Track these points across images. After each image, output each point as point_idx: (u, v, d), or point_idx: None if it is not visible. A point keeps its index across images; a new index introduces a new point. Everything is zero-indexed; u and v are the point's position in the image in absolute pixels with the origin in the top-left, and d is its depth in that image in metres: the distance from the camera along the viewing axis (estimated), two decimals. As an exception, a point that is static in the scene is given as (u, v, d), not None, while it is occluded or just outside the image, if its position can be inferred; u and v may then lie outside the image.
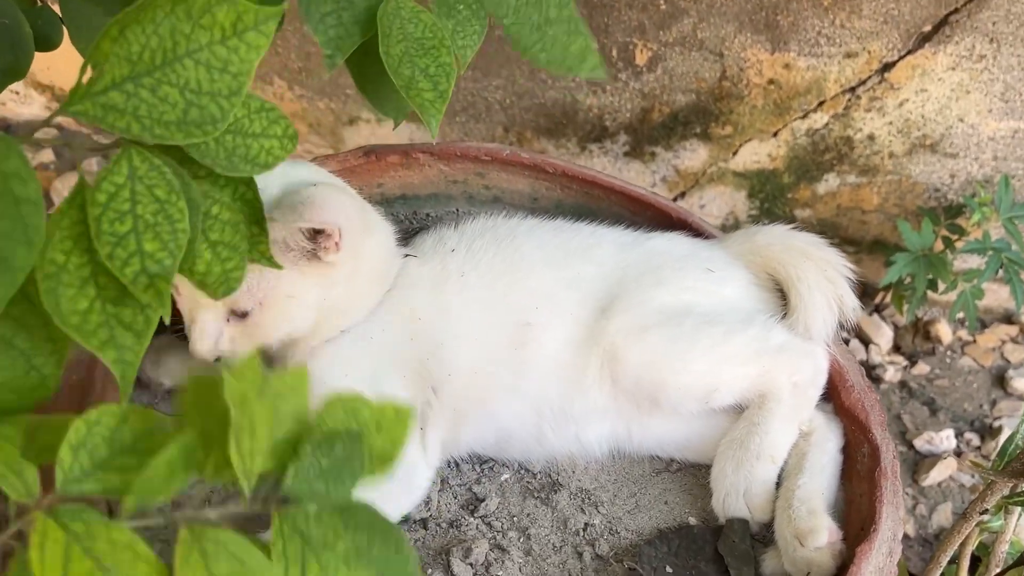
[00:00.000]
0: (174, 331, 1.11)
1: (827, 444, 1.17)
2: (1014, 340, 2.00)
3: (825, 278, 1.22)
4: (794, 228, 1.29)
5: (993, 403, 1.90)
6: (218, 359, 1.10)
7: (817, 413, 1.20)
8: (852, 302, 1.22)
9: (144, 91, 0.69)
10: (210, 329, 1.07)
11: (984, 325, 2.02)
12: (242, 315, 1.07)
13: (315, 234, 1.06)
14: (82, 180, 0.71)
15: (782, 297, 1.26)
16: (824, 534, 1.05)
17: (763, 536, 1.14)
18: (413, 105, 0.83)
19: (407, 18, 0.82)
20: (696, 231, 1.37)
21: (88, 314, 0.72)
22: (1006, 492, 1.16)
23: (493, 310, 1.19)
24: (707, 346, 1.16)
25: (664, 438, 1.23)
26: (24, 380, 0.75)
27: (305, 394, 0.70)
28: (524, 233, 1.26)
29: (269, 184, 1.04)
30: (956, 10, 1.64)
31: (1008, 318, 2.02)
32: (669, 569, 1.09)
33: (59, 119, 2.01)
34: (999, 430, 1.82)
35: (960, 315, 1.81)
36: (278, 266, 0.83)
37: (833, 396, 1.21)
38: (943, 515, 1.71)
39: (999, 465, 1.19)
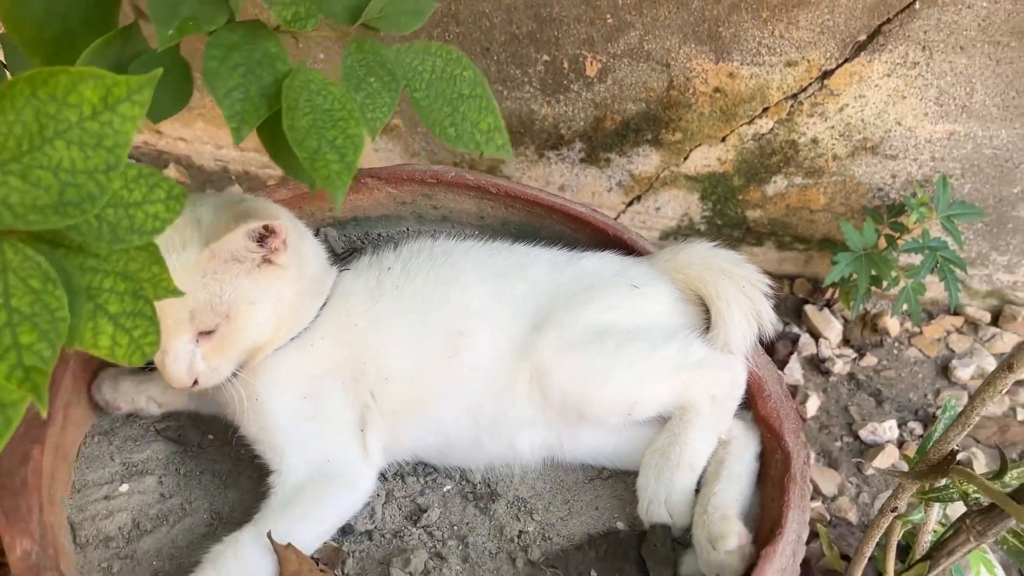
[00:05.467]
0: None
1: (744, 452, 1.25)
2: (959, 331, 2.07)
3: (744, 295, 1.29)
4: (715, 246, 1.36)
5: (937, 392, 1.97)
6: (195, 384, 1.17)
7: (737, 422, 1.28)
8: (770, 316, 1.29)
9: (13, 178, 0.67)
10: (183, 354, 1.15)
11: (931, 317, 2.09)
12: (210, 332, 1.15)
13: (263, 239, 1.15)
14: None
15: (707, 310, 1.34)
16: (734, 539, 1.13)
17: (685, 539, 1.22)
18: (317, 177, 0.86)
19: (316, 90, 0.88)
20: (630, 247, 1.44)
21: None
22: (927, 487, 1.23)
23: (427, 320, 1.28)
24: (629, 363, 1.24)
25: (594, 448, 1.31)
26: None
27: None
28: (460, 253, 1.34)
29: (203, 213, 1.13)
30: (888, 20, 1.70)
31: (954, 310, 2.09)
32: (594, 573, 1.17)
33: None
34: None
35: (904, 308, 1.88)
36: (180, 293, 0.85)
37: (752, 405, 1.29)
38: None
39: (914, 462, 1.27)
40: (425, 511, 1.27)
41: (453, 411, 1.27)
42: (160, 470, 1.28)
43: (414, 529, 1.25)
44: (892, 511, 1.27)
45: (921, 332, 2.07)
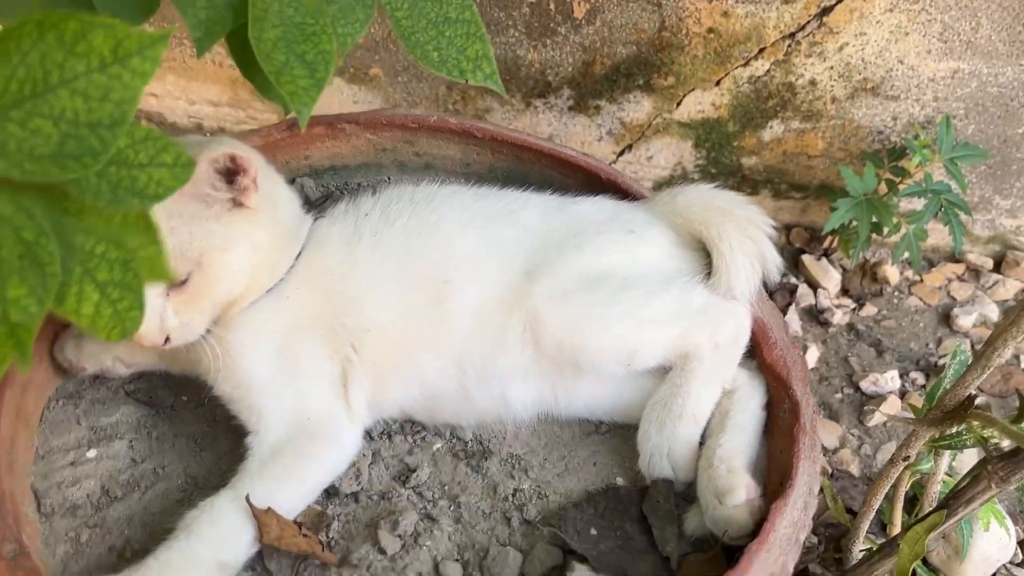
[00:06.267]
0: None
1: (750, 402, 1.19)
2: (960, 278, 2.01)
3: (747, 237, 1.22)
4: (715, 187, 1.29)
5: (939, 341, 1.92)
6: (166, 342, 1.10)
7: (741, 371, 1.21)
8: (775, 259, 1.23)
9: (12, 125, 0.63)
10: (153, 309, 1.07)
11: (931, 264, 2.03)
12: (180, 285, 1.08)
13: (231, 176, 1.08)
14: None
15: (707, 255, 1.27)
16: (742, 492, 1.07)
17: (689, 494, 1.16)
18: (283, 92, 0.79)
19: (286, 2, 0.80)
20: (625, 192, 1.37)
21: None
22: (938, 435, 1.18)
23: (409, 267, 1.21)
24: (626, 310, 1.17)
25: (590, 401, 1.25)
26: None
27: None
28: (444, 197, 1.27)
29: None
30: (890, -49, 1.62)
31: (954, 257, 2.03)
32: (593, 531, 1.11)
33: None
34: (943, 368, 1.84)
35: (905, 255, 1.82)
36: (174, 278, 0.78)
37: (756, 353, 1.23)
38: (887, 454, 1.74)
39: (925, 410, 1.21)
40: (414, 471, 1.20)
41: (439, 362, 1.20)
42: (130, 434, 1.21)
43: (403, 490, 1.18)
44: (904, 460, 1.22)
45: (922, 280, 2.01)
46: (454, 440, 1.25)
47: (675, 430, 1.15)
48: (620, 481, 1.19)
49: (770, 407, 1.19)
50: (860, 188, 1.79)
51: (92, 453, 1.17)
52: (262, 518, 1.05)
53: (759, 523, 1.05)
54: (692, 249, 1.28)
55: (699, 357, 1.18)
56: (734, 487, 1.07)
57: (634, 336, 1.17)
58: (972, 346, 1.89)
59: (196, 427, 1.23)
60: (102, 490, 1.14)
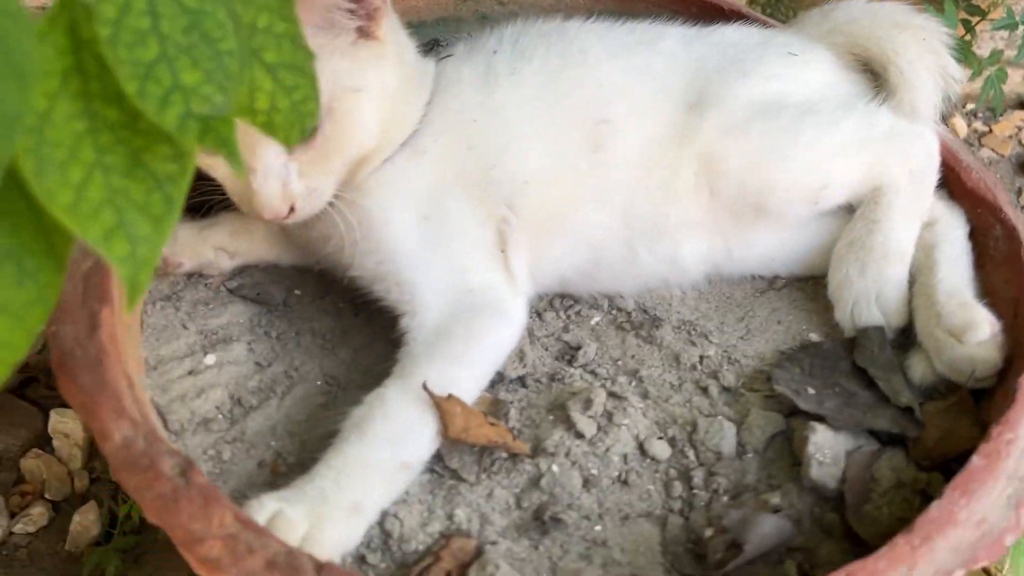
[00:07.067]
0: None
1: (954, 232, 1.06)
2: (1030, 125, 1.92)
3: (927, 50, 1.08)
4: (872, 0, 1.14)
5: (1019, 191, 1.82)
6: (290, 213, 0.91)
7: (936, 201, 1.08)
8: (957, 73, 1.09)
9: None
10: (275, 169, 0.89)
11: (994, 114, 1.93)
12: (308, 136, 0.89)
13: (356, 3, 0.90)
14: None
15: (873, 77, 1.13)
16: (986, 326, 0.93)
17: (897, 343, 1.02)
18: None
19: None
20: (754, 23, 1.21)
21: (84, 189, 0.51)
22: None
23: (559, 108, 1.04)
24: (811, 138, 1.02)
25: (768, 252, 1.10)
26: (14, 293, 0.50)
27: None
28: (575, 29, 1.11)
29: None
30: None
31: (1022, 103, 1.94)
32: (811, 390, 0.97)
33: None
34: (1031, 221, 1.75)
35: (991, 94, 1.70)
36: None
37: (950, 179, 1.09)
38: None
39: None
40: (578, 348, 1.04)
41: (604, 217, 1.04)
42: (247, 335, 1.01)
43: (572, 369, 1.02)
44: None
45: (991, 131, 1.91)
46: (614, 311, 1.09)
47: (882, 271, 1.01)
48: (814, 337, 1.05)
49: (974, 236, 1.06)
50: (943, 29, 1.66)
51: (210, 359, 0.97)
52: (445, 407, 0.87)
53: (1007, 360, 0.93)
54: (855, 71, 1.13)
55: (896, 187, 1.04)
56: (975, 322, 0.94)
57: (824, 168, 1.03)
58: (1053, 193, 1.81)
59: (320, 322, 1.05)
60: (232, 400, 0.94)
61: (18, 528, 1.08)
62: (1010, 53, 1.72)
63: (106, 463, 0.77)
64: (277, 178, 0.90)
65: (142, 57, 0.50)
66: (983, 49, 1.79)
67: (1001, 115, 1.88)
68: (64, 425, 1.13)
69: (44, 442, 1.16)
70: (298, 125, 0.59)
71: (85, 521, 1.09)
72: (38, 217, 0.51)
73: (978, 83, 1.70)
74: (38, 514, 1.09)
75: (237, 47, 0.52)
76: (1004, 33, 1.75)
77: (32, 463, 1.13)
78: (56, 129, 0.50)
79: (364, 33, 0.92)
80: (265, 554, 0.70)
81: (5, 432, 1.15)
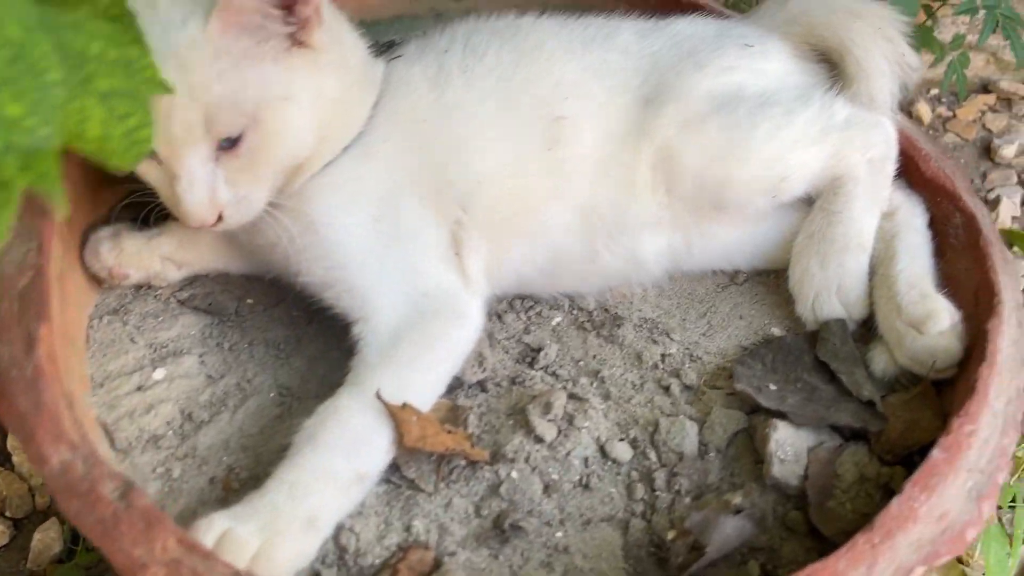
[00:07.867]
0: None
1: (914, 221, 1.05)
2: (993, 109, 1.92)
3: (883, 37, 1.07)
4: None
5: (983, 175, 1.82)
6: (218, 221, 0.89)
7: (895, 190, 1.07)
8: (914, 61, 1.08)
9: None
10: (200, 176, 0.87)
11: (957, 98, 1.93)
12: (233, 142, 0.87)
13: (289, 7, 0.88)
14: None
15: (829, 67, 1.11)
16: (945, 316, 0.93)
17: (859, 335, 1.01)
18: None
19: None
20: (712, 15, 1.19)
21: None
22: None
23: (513, 105, 1.03)
24: (769, 130, 1.01)
25: (728, 246, 1.09)
26: None
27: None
28: (528, 25, 1.09)
29: None
30: None
31: (984, 87, 1.94)
32: (772, 387, 0.95)
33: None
34: (997, 201, 1.75)
35: (953, 79, 1.70)
36: (170, 90, 0.60)
37: (909, 168, 1.08)
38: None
39: None
40: (539, 350, 1.02)
41: (562, 216, 1.02)
42: (198, 347, 0.99)
43: (533, 372, 1.00)
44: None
45: (955, 116, 1.90)
46: (575, 311, 1.08)
47: (842, 263, 1.01)
48: (776, 331, 1.04)
49: (934, 225, 1.05)
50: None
51: (159, 374, 0.95)
52: (400, 415, 0.86)
53: (967, 350, 0.92)
54: (812, 61, 1.12)
55: (855, 177, 1.03)
56: (935, 312, 0.93)
57: (783, 159, 1.02)
58: (1019, 177, 1.80)
59: (273, 332, 1.03)
60: (183, 415, 0.92)
61: (-22, 547, 1.06)
62: (972, 38, 1.72)
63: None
64: (203, 185, 0.87)
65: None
66: (945, 34, 1.78)
67: (965, 100, 1.88)
68: (20, 443, 1.11)
69: (4, 459, 1.14)
70: (132, 152, 0.59)
71: (46, 538, 1.07)
72: None
73: (941, 68, 1.70)
74: (-1, 532, 1.08)
75: (63, 77, 0.52)
76: (966, 18, 1.75)
77: (-9, 481, 1.11)
78: None
79: (296, 41, 0.90)
80: (211, 578, 0.68)
81: (-39, 451, 1.13)
